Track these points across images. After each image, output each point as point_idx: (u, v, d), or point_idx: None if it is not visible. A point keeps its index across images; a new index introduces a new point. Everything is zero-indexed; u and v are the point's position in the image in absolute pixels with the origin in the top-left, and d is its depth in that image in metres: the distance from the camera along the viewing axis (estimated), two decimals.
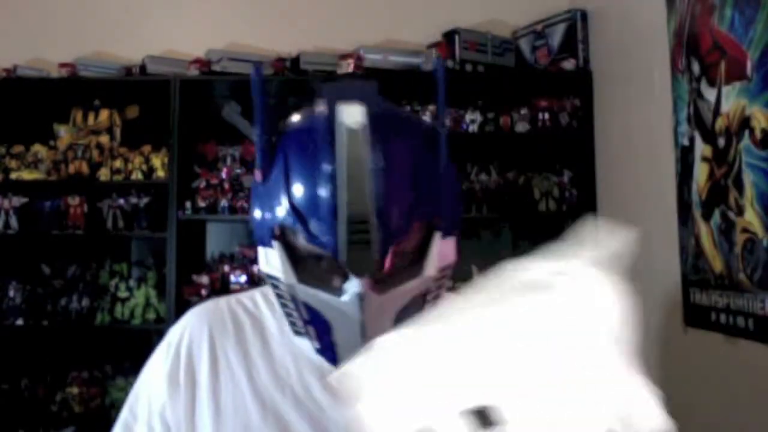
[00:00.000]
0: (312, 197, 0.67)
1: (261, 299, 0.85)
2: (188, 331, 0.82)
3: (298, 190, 0.68)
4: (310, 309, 0.70)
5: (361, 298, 0.65)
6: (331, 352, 0.72)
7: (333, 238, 0.65)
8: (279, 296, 0.73)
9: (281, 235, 0.70)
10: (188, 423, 0.77)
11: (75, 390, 2.73)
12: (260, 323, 0.82)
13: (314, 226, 0.67)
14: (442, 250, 0.70)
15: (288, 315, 0.74)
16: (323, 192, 0.66)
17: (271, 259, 0.71)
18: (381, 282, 0.67)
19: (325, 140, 0.66)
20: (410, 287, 0.69)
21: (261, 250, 0.73)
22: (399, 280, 0.69)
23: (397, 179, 0.67)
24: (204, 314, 0.83)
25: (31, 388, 2.75)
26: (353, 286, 0.66)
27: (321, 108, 0.69)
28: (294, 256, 0.70)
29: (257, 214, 0.73)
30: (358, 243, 0.64)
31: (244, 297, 0.86)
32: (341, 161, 0.63)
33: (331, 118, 0.65)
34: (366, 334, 0.66)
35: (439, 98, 0.73)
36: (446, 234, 0.71)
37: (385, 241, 0.65)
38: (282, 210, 0.69)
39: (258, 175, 0.72)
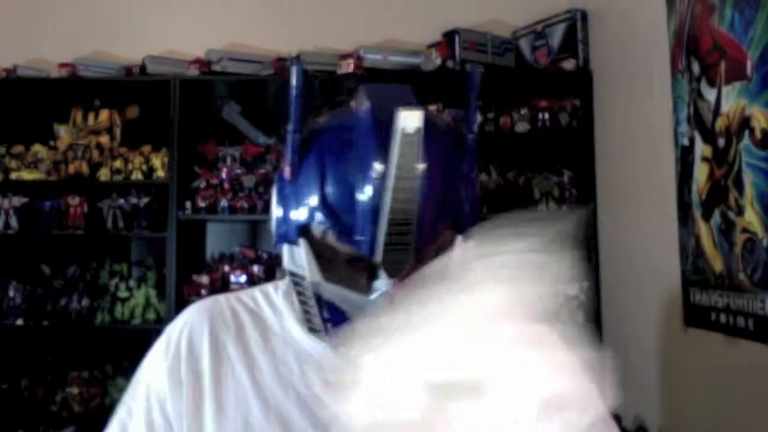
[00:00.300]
0: (351, 196, 0.67)
1: (261, 297, 0.85)
2: (188, 327, 0.81)
3: (335, 187, 0.69)
4: (332, 307, 0.71)
5: (390, 298, 0.66)
6: None
7: (371, 238, 0.66)
8: (300, 293, 0.73)
9: (308, 233, 0.71)
10: (190, 418, 0.76)
11: (75, 390, 2.73)
12: (261, 320, 0.82)
13: (350, 224, 0.67)
14: (462, 252, 0.72)
15: (306, 312, 0.74)
16: (367, 191, 0.66)
17: (296, 257, 0.72)
18: (404, 281, 0.68)
19: (371, 140, 0.66)
20: None
21: (285, 248, 0.73)
22: None
23: (438, 185, 0.69)
24: (204, 310, 0.83)
25: (31, 388, 2.75)
26: (383, 285, 0.66)
27: (363, 107, 0.69)
28: (318, 254, 0.70)
29: (282, 211, 0.73)
30: (396, 244, 0.65)
31: (244, 295, 0.86)
32: (394, 162, 0.63)
33: (377, 119, 0.66)
34: None
35: (471, 105, 0.74)
36: (465, 236, 0.73)
37: (421, 243, 0.67)
38: (314, 207, 0.70)
39: (287, 171, 0.72)
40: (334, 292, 0.69)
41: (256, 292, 0.86)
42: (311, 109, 0.74)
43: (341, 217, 0.68)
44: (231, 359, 0.79)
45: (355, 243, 0.67)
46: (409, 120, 0.62)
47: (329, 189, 0.69)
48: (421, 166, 0.64)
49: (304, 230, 0.71)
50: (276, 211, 0.74)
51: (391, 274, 0.66)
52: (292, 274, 0.72)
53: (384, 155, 0.64)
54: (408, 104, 0.65)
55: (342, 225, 0.68)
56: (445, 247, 0.71)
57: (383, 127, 0.65)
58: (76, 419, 2.72)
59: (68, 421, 2.73)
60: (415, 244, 0.66)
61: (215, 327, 0.81)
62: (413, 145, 0.63)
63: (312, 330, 0.76)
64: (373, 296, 0.67)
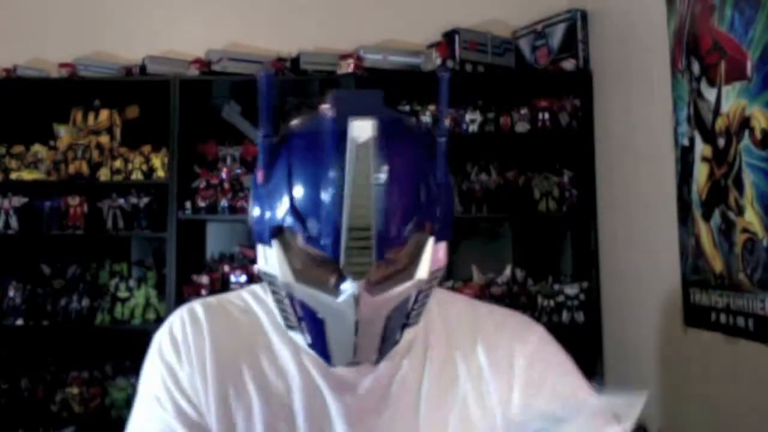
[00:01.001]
0: (316, 201, 0.69)
1: (250, 297, 0.87)
2: (189, 326, 0.82)
3: (301, 192, 0.70)
4: (305, 307, 0.72)
5: (356, 299, 0.68)
6: (322, 348, 0.75)
7: (334, 242, 0.67)
8: (274, 293, 0.76)
9: (280, 235, 0.72)
10: (218, 412, 0.78)
11: (75, 390, 2.73)
12: (254, 319, 0.84)
13: (315, 229, 0.69)
14: (434, 255, 0.73)
15: (282, 311, 0.77)
16: (328, 198, 0.68)
17: (269, 258, 0.74)
18: (375, 284, 0.70)
19: (333, 148, 0.68)
20: (402, 289, 0.71)
21: (260, 248, 0.75)
22: (392, 283, 0.71)
23: (399, 192, 0.70)
24: (198, 311, 0.84)
25: (31, 388, 2.75)
26: (350, 287, 0.68)
27: (329, 114, 0.70)
28: (291, 256, 0.72)
29: (257, 213, 0.75)
30: (357, 248, 0.66)
31: (232, 296, 0.88)
32: (349, 172, 0.64)
33: (338, 127, 0.67)
34: (359, 333, 0.70)
35: (440, 107, 0.74)
36: (438, 239, 0.74)
37: (383, 248, 0.68)
38: (283, 211, 0.71)
39: (260, 175, 0.74)
40: (304, 292, 0.71)
41: (243, 293, 0.88)
42: (289, 111, 0.76)
43: (308, 221, 0.69)
44: (231, 357, 0.80)
45: (321, 246, 0.69)
46: (360, 130, 0.63)
47: (297, 193, 0.70)
48: (380, 175, 0.66)
49: (276, 231, 0.72)
50: (252, 213, 0.76)
51: (355, 277, 0.68)
52: (266, 275, 0.75)
53: (343, 163, 0.65)
54: (371, 111, 0.65)
55: (308, 229, 0.69)
56: (418, 251, 0.72)
57: (343, 136, 0.65)
58: (76, 419, 2.72)
59: (68, 421, 2.73)
60: (378, 248, 0.67)
61: (213, 326, 0.82)
62: (366, 155, 0.64)
63: (289, 327, 0.78)
64: (341, 298, 0.68)
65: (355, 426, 0.78)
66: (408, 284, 0.71)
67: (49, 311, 2.76)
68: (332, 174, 0.67)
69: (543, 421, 0.65)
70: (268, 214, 0.73)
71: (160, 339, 0.82)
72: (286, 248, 0.72)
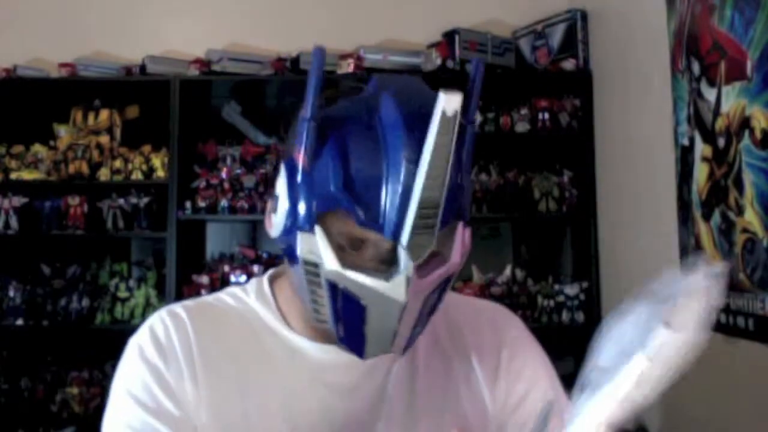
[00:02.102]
0: (379, 181, 0.67)
1: (231, 300, 0.85)
2: (172, 327, 0.79)
3: (359, 172, 0.68)
4: (347, 295, 0.70)
5: (409, 281, 0.67)
6: (358, 339, 0.73)
7: (398, 221, 0.66)
8: (311, 282, 0.72)
9: (320, 222, 0.70)
10: (195, 409, 0.76)
11: (75, 390, 2.73)
12: (240, 320, 0.82)
13: (375, 209, 0.67)
14: (464, 237, 0.73)
15: (314, 302, 0.73)
16: (396, 169, 0.66)
17: (311, 245, 0.70)
18: (419, 268, 0.69)
19: (399, 123, 0.67)
20: (443, 271, 0.71)
21: (300, 236, 0.71)
22: (433, 266, 0.71)
23: (457, 158, 0.70)
24: (182, 311, 0.82)
25: (31, 388, 2.75)
26: (404, 269, 0.67)
27: (386, 92, 0.69)
28: (332, 243, 0.70)
29: (291, 200, 0.71)
30: (423, 227, 0.66)
31: (210, 299, 0.86)
32: (428, 147, 0.64)
33: (400, 104, 0.67)
34: (402, 319, 0.69)
35: (473, 97, 0.74)
36: (465, 224, 0.74)
37: (443, 225, 0.68)
38: (334, 194, 0.69)
39: (302, 159, 0.70)
40: (351, 278, 0.69)
41: (222, 295, 0.86)
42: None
43: (365, 200, 0.67)
44: (222, 357, 0.79)
45: (379, 227, 0.67)
46: (451, 102, 0.62)
47: (354, 174, 0.68)
48: (454, 151, 0.65)
49: (318, 219, 0.70)
50: (284, 201, 0.72)
51: (415, 258, 0.67)
52: (306, 263, 0.71)
53: (414, 140, 0.65)
54: (423, 92, 0.66)
55: (366, 209, 0.67)
56: (450, 234, 0.72)
57: (411, 115, 0.66)
58: (76, 419, 2.72)
59: (68, 421, 2.73)
60: (439, 227, 0.67)
61: (199, 327, 0.80)
62: (450, 129, 0.63)
63: (319, 321, 0.75)
64: (394, 281, 0.67)
65: (351, 427, 0.78)
66: (445, 267, 0.71)
67: (49, 311, 2.76)
68: (408, 150, 0.66)
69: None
70: (312, 199, 0.70)
71: (139, 341, 0.79)
72: (329, 237, 0.70)
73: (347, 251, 0.70)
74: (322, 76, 0.70)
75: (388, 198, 0.67)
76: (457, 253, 0.72)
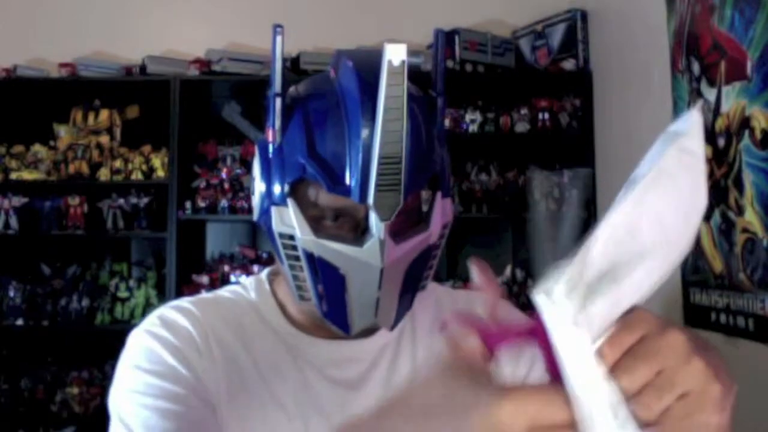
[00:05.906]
0: (340, 142, 0.68)
1: (232, 295, 0.85)
2: (181, 316, 0.79)
3: (323, 136, 0.70)
4: (324, 265, 0.70)
5: (382, 244, 0.67)
6: (341, 313, 0.73)
7: (363, 180, 0.67)
8: (289, 257, 0.73)
9: (294, 194, 0.71)
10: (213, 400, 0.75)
11: (75, 390, 2.73)
12: (243, 315, 0.82)
13: (340, 172, 0.68)
14: (443, 208, 0.74)
15: (295, 278, 0.73)
16: (356, 130, 0.67)
17: (285, 218, 0.71)
18: (394, 234, 0.69)
19: (355, 87, 0.68)
20: (419, 240, 0.71)
21: (275, 210, 0.72)
22: (411, 234, 0.71)
23: (423, 124, 0.71)
24: (187, 304, 0.81)
25: (31, 388, 2.75)
26: (376, 231, 0.67)
27: (342, 64, 0.71)
28: (307, 214, 0.71)
29: (266, 177, 0.73)
30: (387, 185, 0.66)
31: (210, 296, 0.85)
32: (380, 97, 0.63)
33: (355, 70, 0.68)
34: (381, 286, 0.69)
35: (438, 67, 0.75)
36: (444, 194, 0.75)
37: (410, 185, 0.67)
38: (302, 161, 0.70)
39: (271, 133, 0.73)
40: (326, 246, 0.70)
41: (222, 292, 0.86)
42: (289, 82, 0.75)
43: (330, 165, 0.69)
44: (233, 349, 0.78)
45: (346, 190, 0.68)
46: (395, 52, 0.62)
47: (318, 141, 0.70)
48: (408, 102, 0.64)
49: (291, 189, 0.71)
50: (259, 181, 0.74)
51: (383, 217, 0.67)
52: (281, 236, 0.72)
53: (371, 99, 0.65)
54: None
55: (332, 173, 0.68)
56: (428, 206, 0.73)
57: (367, 78, 0.66)
58: (76, 419, 2.72)
59: (68, 421, 2.73)
60: (405, 186, 0.67)
61: (208, 318, 0.79)
62: (401, 79, 0.63)
63: (303, 299, 0.74)
64: (367, 244, 0.68)
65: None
66: (422, 236, 0.72)
67: (49, 311, 2.76)
68: (363, 101, 0.66)
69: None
70: (281, 172, 0.72)
71: (146, 326, 0.77)
72: (302, 208, 0.71)
73: (324, 223, 0.71)
74: (282, 53, 0.71)
75: (351, 160, 0.68)
76: (436, 222, 0.73)
